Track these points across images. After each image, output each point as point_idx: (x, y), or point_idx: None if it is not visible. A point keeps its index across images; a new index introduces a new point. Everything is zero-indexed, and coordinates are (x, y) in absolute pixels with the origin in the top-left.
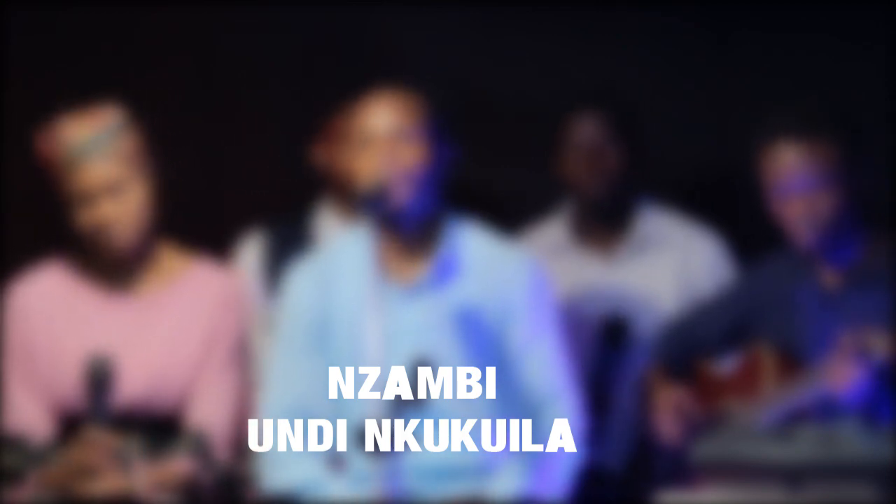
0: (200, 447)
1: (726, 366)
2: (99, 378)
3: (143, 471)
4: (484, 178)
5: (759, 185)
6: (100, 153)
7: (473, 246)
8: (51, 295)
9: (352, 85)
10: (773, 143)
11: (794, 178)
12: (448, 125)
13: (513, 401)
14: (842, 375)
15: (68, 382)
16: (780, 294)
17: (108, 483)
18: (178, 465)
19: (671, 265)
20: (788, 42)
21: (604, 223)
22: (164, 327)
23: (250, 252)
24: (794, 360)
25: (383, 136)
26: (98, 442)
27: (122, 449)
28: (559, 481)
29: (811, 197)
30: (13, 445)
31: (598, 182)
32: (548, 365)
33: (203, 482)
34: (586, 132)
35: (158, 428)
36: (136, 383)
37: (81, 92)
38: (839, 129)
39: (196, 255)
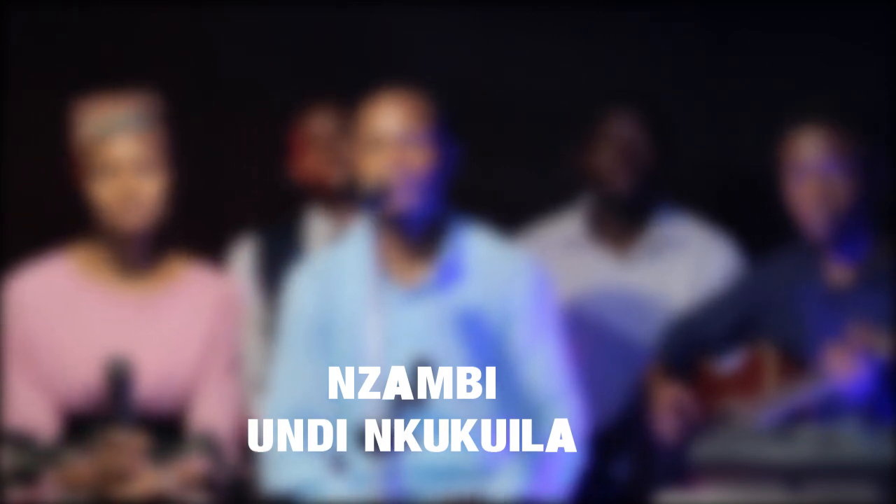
0: (212, 447)
1: (728, 365)
2: (120, 379)
3: (173, 471)
4: (483, 178)
5: (778, 170)
6: (132, 132)
7: (476, 248)
8: (51, 291)
9: (351, 85)
10: (802, 123)
11: (817, 158)
12: (453, 127)
13: (514, 403)
14: (845, 368)
15: (71, 380)
16: (785, 292)
17: (140, 485)
18: (195, 464)
19: (686, 269)
20: (790, 43)
21: (623, 221)
22: (166, 329)
23: (243, 256)
24: (796, 360)
25: (392, 138)
26: (126, 444)
27: (148, 450)
28: (560, 482)
29: (829, 181)
30: (20, 444)
31: (625, 179)
32: (549, 367)
33: (218, 481)
34: (621, 127)
35: (160, 429)
36: (139, 384)
37: (81, 92)
38: (867, 127)
39: (195, 258)
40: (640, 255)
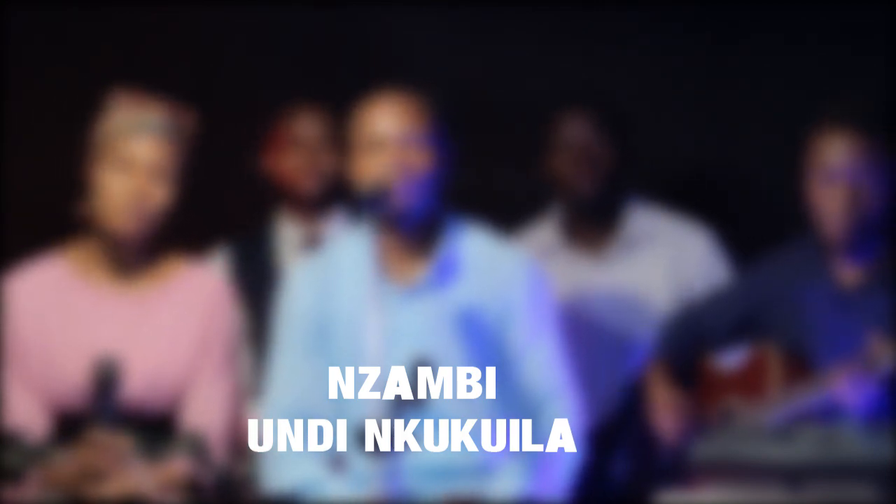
0: (198, 448)
1: (731, 363)
2: (106, 379)
3: (150, 472)
4: (478, 178)
5: (800, 170)
6: (156, 136)
7: (473, 247)
8: (44, 291)
9: (352, 86)
10: (831, 125)
11: (846, 163)
12: (451, 128)
13: (512, 401)
14: (853, 388)
15: (62, 379)
16: (790, 290)
17: (116, 485)
18: (178, 465)
19: (662, 262)
20: (783, 40)
21: (593, 223)
22: (159, 327)
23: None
24: (801, 362)
25: (391, 139)
26: (106, 444)
27: (130, 450)
28: (559, 481)
29: (857, 187)
30: (10, 443)
31: (588, 181)
32: (547, 365)
33: (202, 483)
34: (575, 131)
35: (151, 428)
36: (129, 383)
37: (81, 92)
38: (886, 130)
39: (190, 256)
40: (616, 254)
